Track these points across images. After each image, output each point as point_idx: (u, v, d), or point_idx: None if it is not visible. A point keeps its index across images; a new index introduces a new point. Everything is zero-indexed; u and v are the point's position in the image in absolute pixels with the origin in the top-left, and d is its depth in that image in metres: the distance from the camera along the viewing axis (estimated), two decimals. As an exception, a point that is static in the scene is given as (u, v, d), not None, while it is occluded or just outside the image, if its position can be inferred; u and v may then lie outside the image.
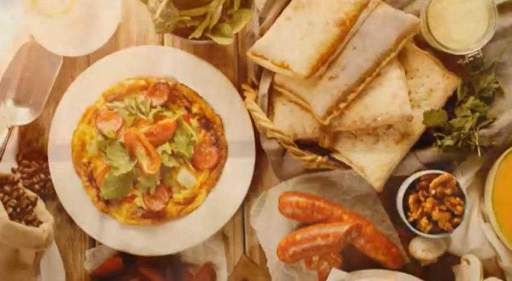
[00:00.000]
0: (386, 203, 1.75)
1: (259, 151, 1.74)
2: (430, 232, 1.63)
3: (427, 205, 1.62)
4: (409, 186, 1.65)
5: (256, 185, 1.78)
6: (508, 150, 1.66)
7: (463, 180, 1.69)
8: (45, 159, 1.77)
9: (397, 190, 1.70)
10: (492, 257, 1.72)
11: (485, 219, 1.73)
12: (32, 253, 1.74)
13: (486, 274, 1.69)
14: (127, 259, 1.76)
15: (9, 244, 1.62)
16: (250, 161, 1.74)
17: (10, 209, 1.68)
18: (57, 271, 1.76)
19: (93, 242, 1.80)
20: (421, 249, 1.68)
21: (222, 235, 1.78)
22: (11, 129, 1.74)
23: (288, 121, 1.67)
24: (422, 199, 1.64)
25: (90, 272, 1.77)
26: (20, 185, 1.72)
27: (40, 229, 1.66)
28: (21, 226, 1.63)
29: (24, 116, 1.76)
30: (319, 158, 1.66)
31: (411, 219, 1.64)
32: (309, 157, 1.65)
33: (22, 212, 1.71)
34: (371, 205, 1.75)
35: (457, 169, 1.70)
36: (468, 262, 1.70)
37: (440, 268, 1.73)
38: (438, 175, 1.62)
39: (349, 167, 1.70)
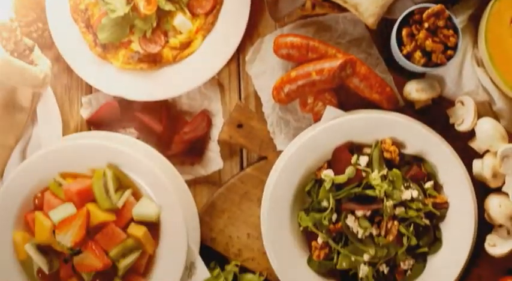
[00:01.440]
0: (381, 48, 1.76)
1: (255, -1, 1.76)
2: (424, 66, 1.64)
3: (421, 36, 1.62)
4: (403, 21, 1.66)
5: (251, 33, 1.79)
6: (501, -9, 1.68)
7: (456, 22, 1.70)
8: (43, 10, 1.78)
9: (391, 34, 1.71)
10: (485, 101, 1.73)
11: (479, 63, 1.74)
12: (29, 95, 1.75)
13: (479, 117, 1.70)
14: (123, 106, 1.77)
15: (6, 80, 1.63)
16: (245, 6, 1.75)
17: (8, 53, 1.70)
18: (54, 117, 1.76)
19: (90, 91, 1.80)
20: (415, 89, 1.69)
21: (218, 83, 1.79)
22: (9, -24, 1.76)
23: (282, -40, 1.69)
24: (415, 32, 1.65)
25: (86, 118, 1.78)
26: (18, 32, 1.73)
27: (37, 68, 1.67)
28: (19, 61, 1.63)
29: (22, -37, 1.78)
30: (313, -7, 1.68)
31: (405, 52, 1.65)
32: (303, -12, 1.66)
33: (19, 57, 1.71)
34: (365, 48, 1.76)
35: (450, 12, 1.71)
36: (462, 103, 1.70)
37: (434, 111, 1.74)
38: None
39: (343, 10, 1.71)
